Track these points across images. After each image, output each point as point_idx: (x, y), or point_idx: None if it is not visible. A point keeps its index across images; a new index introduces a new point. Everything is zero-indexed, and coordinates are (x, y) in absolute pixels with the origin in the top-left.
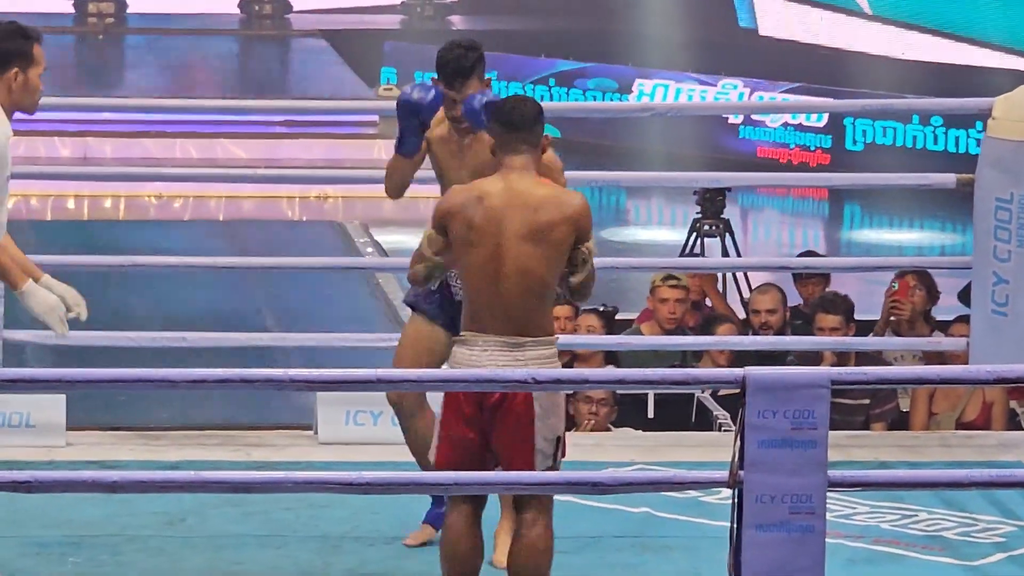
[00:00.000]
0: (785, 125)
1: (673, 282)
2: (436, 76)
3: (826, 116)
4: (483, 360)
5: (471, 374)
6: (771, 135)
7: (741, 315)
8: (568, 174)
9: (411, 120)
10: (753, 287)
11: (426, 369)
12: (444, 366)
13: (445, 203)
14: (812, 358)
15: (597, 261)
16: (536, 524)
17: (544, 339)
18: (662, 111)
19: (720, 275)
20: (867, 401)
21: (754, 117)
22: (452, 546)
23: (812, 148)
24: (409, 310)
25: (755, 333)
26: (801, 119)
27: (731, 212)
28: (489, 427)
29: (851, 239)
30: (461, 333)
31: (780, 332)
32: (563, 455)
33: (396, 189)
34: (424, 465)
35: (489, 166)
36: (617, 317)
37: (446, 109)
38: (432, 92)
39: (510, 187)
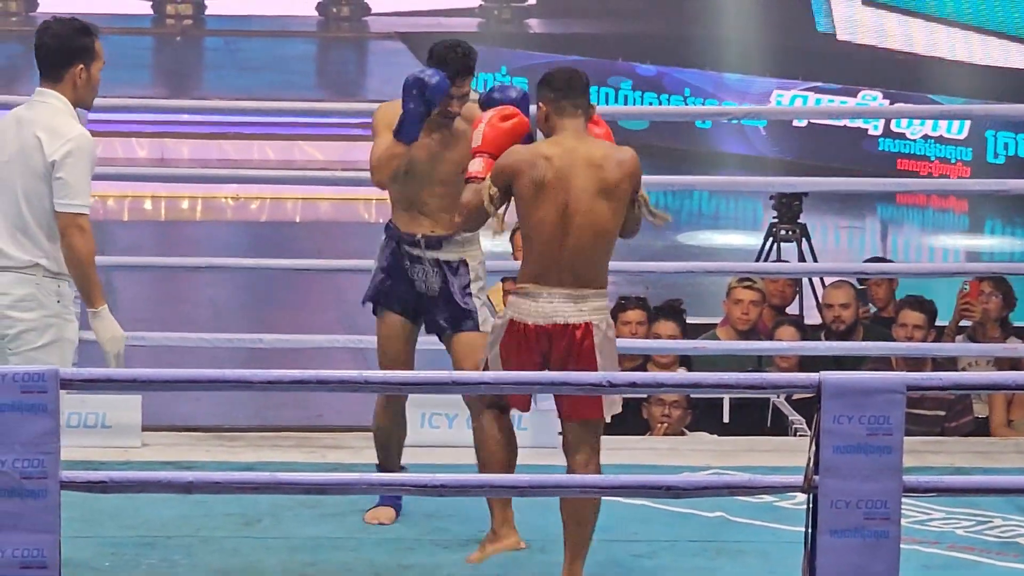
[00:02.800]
0: (925, 137)
1: (748, 283)
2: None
3: (967, 128)
4: (547, 310)
5: (548, 376)
6: (911, 147)
7: (817, 320)
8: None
9: (420, 104)
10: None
11: (502, 371)
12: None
13: (510, 162)
14: (884, 362)
15: (672, 265)
16: (589, 465)
17: (601, 291)
18: (738, 116)
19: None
20: (942, 413)
21: (894, 129)
22: (488, 445)
23: (952, 161)
24: (371, 308)
25: (827, 328)
26: (942, 131)
27: (871, 222)
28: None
29: (993, 248)
30: (521, 285)
31: (851, 329)
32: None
33: (392, 177)
34: (482, 461)
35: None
36: (691, 321)
37: (443, 104)
38: (443, 78)
39: (572, 147)
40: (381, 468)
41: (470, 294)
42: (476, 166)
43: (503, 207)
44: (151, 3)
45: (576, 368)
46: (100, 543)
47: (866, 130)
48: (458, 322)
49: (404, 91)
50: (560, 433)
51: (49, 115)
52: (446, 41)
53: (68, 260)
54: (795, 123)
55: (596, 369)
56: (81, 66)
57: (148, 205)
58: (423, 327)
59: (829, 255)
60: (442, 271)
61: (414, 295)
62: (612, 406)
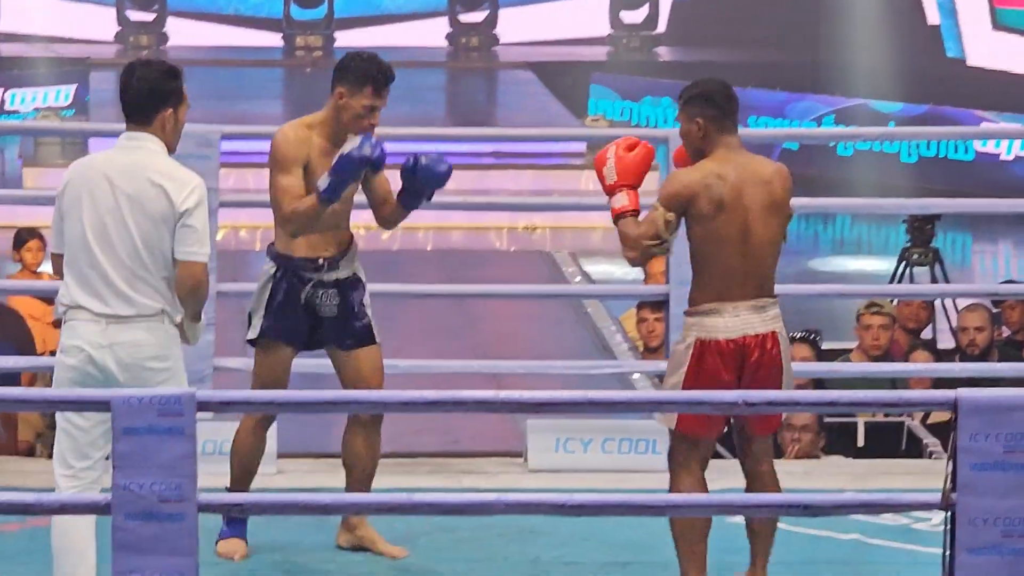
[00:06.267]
0: None
1: (876, 309)
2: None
3: None
4: (737, 324)
5: (681, 396)
6: None
7: (951, 344)
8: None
9: (358, 175)
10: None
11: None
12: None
13: (683, 185)
14: (1019, 384)
15: (802, 288)
16: (774, 470)
17: (776, 299)
18: (872, 137)
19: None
20: None
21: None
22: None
23: None
24: (258, 339)
25: (962, 351)
26: None
27: (1004, 245)
28: (747, 386)
29: None
30: (703, 305)
31: (986, 352)
32: None
33: (310, 231)
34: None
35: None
36: (826, 347)
37: (363, 120)
38: (381, 149)
39: (742, 164)
40: (234, 490)
41: (364, 306)
42: (622, 201)
43: (675, 232)
44: (281, 35)
45: (767, 376)
46: (236, 568)
47: (998, 155)
48: (363, 337)
49: (351, 164)
50: (738, 447)
51: (158, 161)
52: (362, 54)
53: (188, 302)
54: (924, 150)
55: (782, 376)
56: (170, 110)
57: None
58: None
59: (962, 279)
60: (340, 290)
61: (310, 321)
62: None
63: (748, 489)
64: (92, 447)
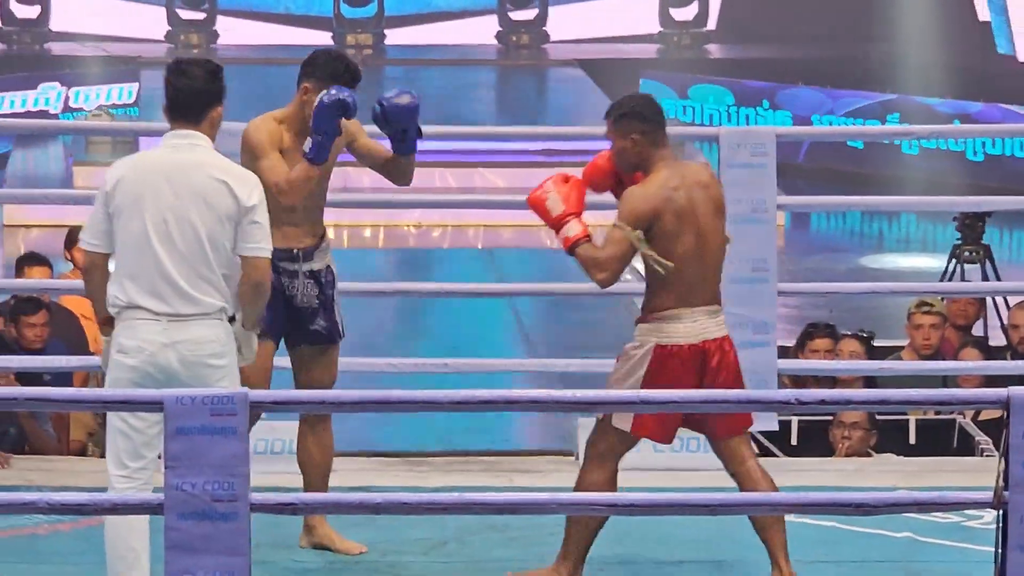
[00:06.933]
0: None
1: (926, 308)
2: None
3: None
4: (697, 329)
5: (743, 395)
6: None
7: (1003, 341)
8: (824, 199)
9: (335, 124)
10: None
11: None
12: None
13: (645, 201)
14: None
15: (854, 286)
16: (759, 465)
17: (720, 305)
18: (923, 135)
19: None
20: None
21: None
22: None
23: None
24: None
25: (1012, 349)
26: None
27: None
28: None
29: None
30: (664, 312)
31: None
32: None
33: (303, 198)
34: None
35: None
36: (876, 344)
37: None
38: (349, 91)
39: (682, 173)
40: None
41: (336, 303)
42: (575, 228)
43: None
44: (331, 34)
45: (727, 379)
46: (288, 568)
47: None
48: (333, 334)
49: (325, 113)
50: (715, 452)
51: (216, 158)
52: (330, 51)
53: (251, 299)
54: (990, 148)
55: (741, 378)
56: (220, 108)
57: (331, 233)
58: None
59: (1013, 276)
60: (315, 281)
61: (288, 312)
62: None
63: (742, 490)
64: (147, 447)
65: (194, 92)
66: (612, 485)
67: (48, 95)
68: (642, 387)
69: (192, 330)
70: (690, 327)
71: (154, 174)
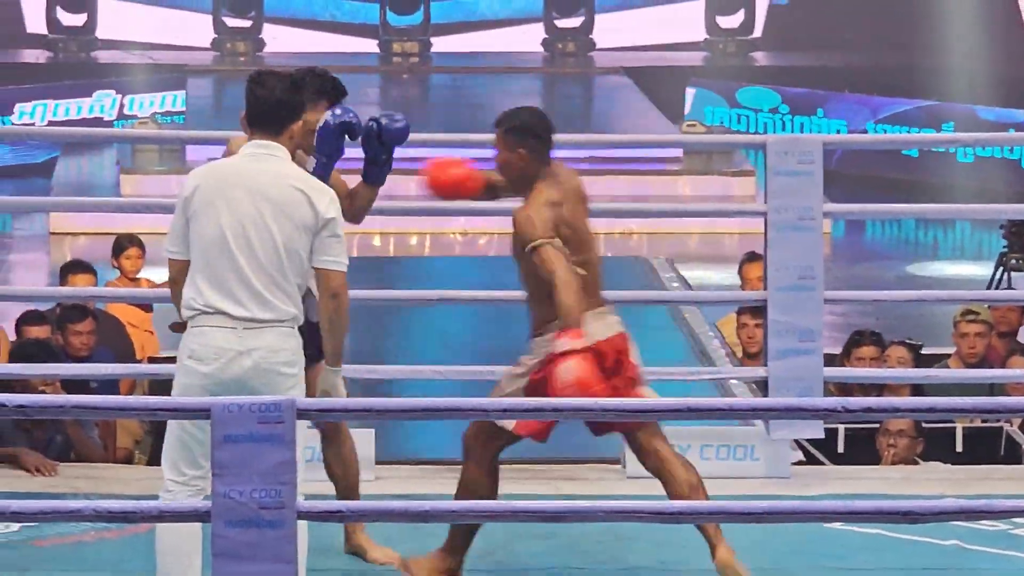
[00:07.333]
0: None
1: (971, 316)
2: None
3: None
4: (606, 325)
5: (789, 403)
6: None
7: None
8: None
9: (339, 146)
10: None
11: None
12: None
13: (553, 215)
14: None
15: (899, 294)
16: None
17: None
18: (968, 143)
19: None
20: None
21: None
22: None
23: None
24: None
25: None
26: None
27: None
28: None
29: None
30: (584, 313)
31: None
32: None
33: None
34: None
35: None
36: (923, 351)
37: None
38: (353, 112)
39: (564, 185)
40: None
41: None
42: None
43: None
44: (377, 42)
45: (625, 377)
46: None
47: None
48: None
49: (330, 135)
50: (629, 445)
51: (294, 169)
52: (315, 69)
53: (331, 316)
54: None
55: (639, 373)
56: (301, 122)
57: (377, 241)
58: None
59: None
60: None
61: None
62: None
63: (665, 486)
64: (205, 457)
65: (271, 103)
66: (492, 479)
67: (103, 102)
68: (528, 391)
69: (266, 337)
70: (601, 324)
71: (233, 182)
